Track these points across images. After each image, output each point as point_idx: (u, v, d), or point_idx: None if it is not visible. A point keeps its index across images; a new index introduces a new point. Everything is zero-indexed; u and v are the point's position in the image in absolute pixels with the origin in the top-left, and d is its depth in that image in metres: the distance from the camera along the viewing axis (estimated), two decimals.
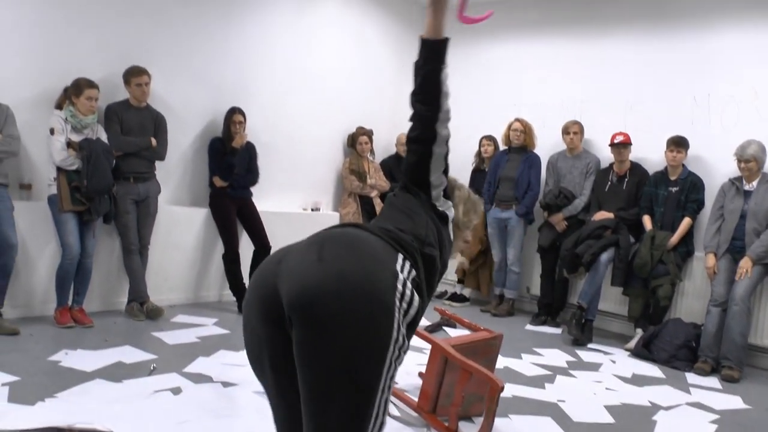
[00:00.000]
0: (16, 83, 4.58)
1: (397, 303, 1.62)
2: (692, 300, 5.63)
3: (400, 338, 1.61)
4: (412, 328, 1.72)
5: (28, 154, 4.72)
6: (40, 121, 4.66)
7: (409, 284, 1.69)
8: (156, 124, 5.18)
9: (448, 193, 2.25)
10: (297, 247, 1.74)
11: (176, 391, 3.48)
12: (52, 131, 4.56)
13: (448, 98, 2.12)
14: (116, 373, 3.68)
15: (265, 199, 6.01)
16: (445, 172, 2.21)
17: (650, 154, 5.96)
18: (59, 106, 4.70)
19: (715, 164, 5.68)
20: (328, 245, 1.68)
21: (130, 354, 4.06)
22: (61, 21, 4.84)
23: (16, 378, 3.42)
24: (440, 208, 2.15)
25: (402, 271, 1.71)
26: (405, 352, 1.65)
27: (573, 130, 6.19)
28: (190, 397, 3.42)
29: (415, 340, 4.73)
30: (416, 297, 1.70)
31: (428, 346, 3.45)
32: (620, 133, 5.85)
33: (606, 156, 6.10)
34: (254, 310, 1.69)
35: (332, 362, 1.54)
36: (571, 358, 5.05)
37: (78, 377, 3.55)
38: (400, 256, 1.77)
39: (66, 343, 4.14)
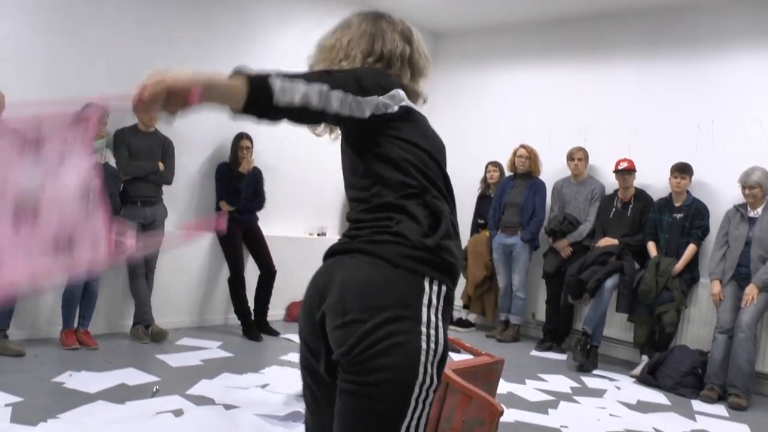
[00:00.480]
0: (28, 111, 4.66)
1: (424, 347, 1.52)
2: (698, 327, 5.60)
3: (428, 380, 1.52)
4: (443, 364, 1.57)
5: None
6: None
7: (435, 320, 1.54)
8: (164, 149, 5.26)
9: None
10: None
11: (178, 413, 3.49)
12: None
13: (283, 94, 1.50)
14: (119, 394, 3.71)
15: (271, 224, 6.05)
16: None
17: (654, 180, 5.98)
18: None
19: (720, 190, 5.69)
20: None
21: (133, 376, 4.08)
22: (71, 49, 4.95)
23: (20, 399, 3.45)
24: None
25: (429, 307, 1.55)
26: (435, 391, 1.55)
27: (577, 157, 6.22)
28: (191, 419, 3.44)
29: None
30: (442, 333, 1.56)
31: None
32: (624, 160, 5.88)
33: (610, 182, 6.12)
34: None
35: (357, 401, 1.53)
36: (575, 384, 5.02)
37: (82, 399, 3.58)
38: (426, 283, 1.57)
39: (71, 365, 4.17)
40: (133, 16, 5.28)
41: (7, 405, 3.34)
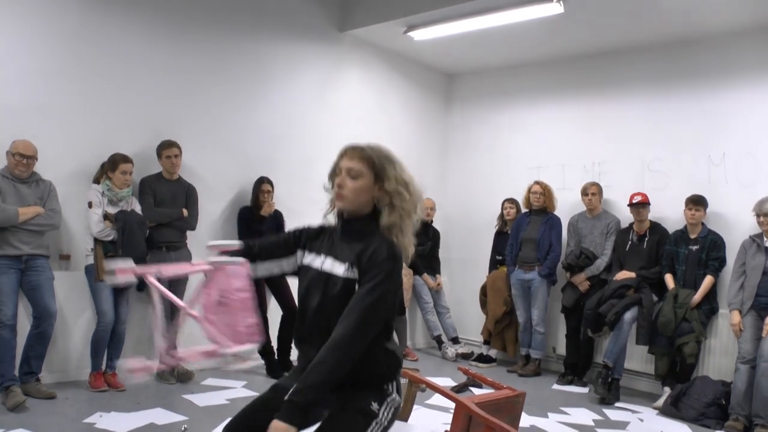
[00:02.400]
0: (58, 160, 4.87)
1: None
2: (719, 357, 5.61)
3: None
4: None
5: (67, 226, 4.96)
6: (79, 195, 4.92)
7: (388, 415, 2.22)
8: (187, 195, 5.41)
9: None
10: None
11: None
12: (90, 204, 4.81)
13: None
14: None
15: None
16: None
17: (669, 212, 6.05)
18: (96, 181, 4.97)
19: (735, 221, 5.75)
20: None
21: (162, 416, 4.18)
22: (98, 100, 5.16)
23: None
24: None
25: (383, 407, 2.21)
26: None
27: (591, 191, 6.32)
28: None
29: (440, 399, 4.78)
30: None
31: (452, 405, 3.51)
32: (638, 194, 5.96)
33: (625, 216, 6.19)
34: None
35: None
36: (598, 417, 5.03)
37: None
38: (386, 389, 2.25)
39: (100, 406, 4.27)
40: (156, 68, 5.50)
41: None
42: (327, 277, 2.21)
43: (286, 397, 1.97)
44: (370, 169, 2.22)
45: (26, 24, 4.80)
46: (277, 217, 5.96)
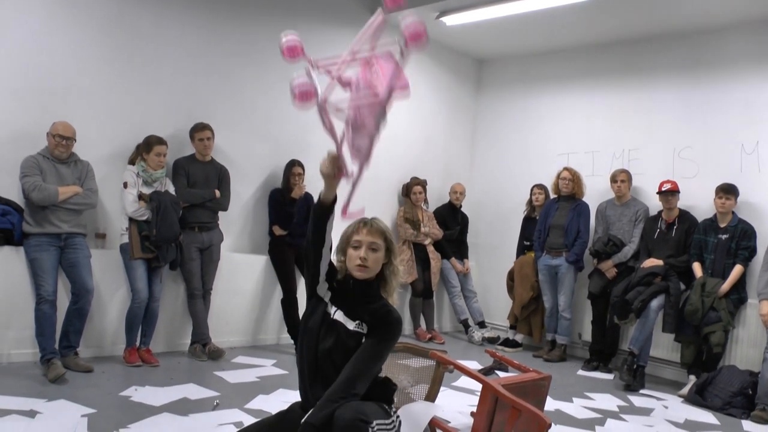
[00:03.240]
0: (95, 141, 4.99)
1: None
2: (747, 347, 5.59)
3: None
4: None
5: (103, 206, 5.09)
6: (114, 176, 5.05)
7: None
8: (220, 177, 5.51)
9: None
10: None
11: (239, 425, 3.66)
12: (125, 185, 4.93)
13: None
14: (182, 408, 3.91)
15: None
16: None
17: (699, 201, 6.02)
18: (132, 162, 5.09)
19: (766, 211, 5.71)
20: None
21: (194, 391, 4.29)
22: (134, 84, 5.28)
23: (93, 410, 3.69)
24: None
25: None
26: None
27: (620, 179, 6.30)
28: None
29: (467, 382, 4.85)
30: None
31: (479, 388, 3.56)
32: (668, 181, 5.94)
33: (654, 204, 6.17)
34: None
35: None
36: (622, 403, 5.06)
37: (148, 411, 3.79)
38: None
39: (135, 380, 4.41)
40: (189, 52, 5.60)
41: (83, 416, 3.59)
42: (338, 326, 2.50)
43: (303, 420, 2.28)
44: (384, 242, 2.55)
45: (66, 10, 4.92)
46: (308, 200, 6.02)
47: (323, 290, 2.57)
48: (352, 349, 2.45)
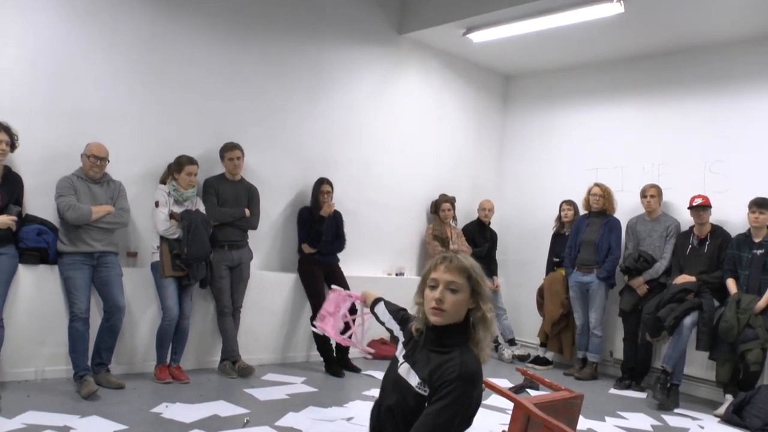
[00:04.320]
0: (127, 162, 5.08)
1: None
2: None
3: None
4: None
5: (134, 225, 5.17)
6: (146, 195, 5.13)
7: None
8: (249, 196, 5.56)
9: None
10: None
11: None
12: (156, 204, 5.00)
13: None
14: (212, 424, 3.93)
15: (351, 265, 6.28)
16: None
17: (731, 216, 5.93)
18: (163, 181, 5.16)
19: None
20: None
21: (224, 408, 4.31)
22: (165, 105, 5.37)
23: (125, 427, 3.72)
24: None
25: None
26: None
27: (650, 193, 6.23)
28: None
29: (498, 400, 4.80)
30: None
31: (510, 406, 3.53)
32: (699, 196, 5.86)
33: (686, 219, 6.09)
34: None
35: None
36: (656, 423, 4.97)
37: (178, 428, 3.82)
38: None
39: (165, 397, 4.44)
40: (219, 73, 5.68)
41: None
42: (403, 382, 2.19)
43: None
44: (467, 281, 2.15)
45: (99, 35, 5.03)
46: (336, 218, 6.07)
47: (400, 338, 2.38)
48: (414, 412, 2.10)
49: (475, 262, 2.24)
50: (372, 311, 2.89)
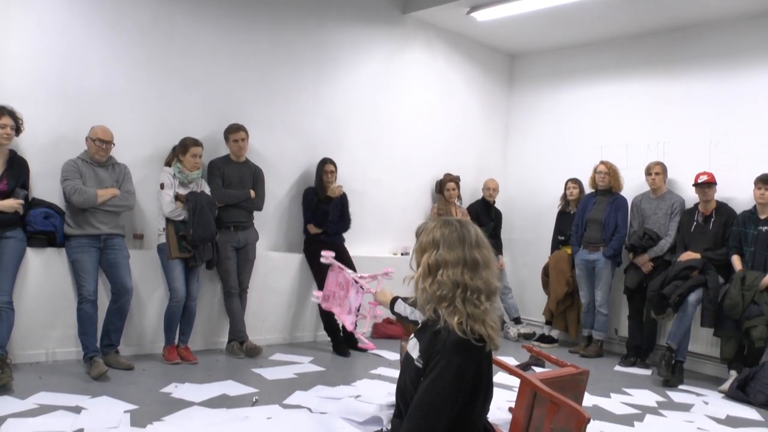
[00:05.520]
0: (132, 144, 5.08)
1: None
2: None
3: None
4: None
5: (140, 207, 5.18)
6: (151, 177, 5.14)
7: None
8: (254, 177, 5.57)
9: None
10: None
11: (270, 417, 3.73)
12: (162, 186, 5.01)
13: None
14: (222, 404, 3.98)
15: (357, 245, 6.30)
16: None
17: (737, 192, 5.93)
18: (168, 163, 5.17)
19: None
20: None
21: (233, 387, 4.36)
22: (169, 87, 5.36)
23: (136, 406, 3.77)
24: None
25: None
26: None
27: (655, 171, 6.22)
28: (283, 420, 3.71)
29: (504, 378, 4.85)
30: None
31: (517, 384, 3.56)
32: (704, 173, 5.85)
33: (691, 196, 6.09)
34: None
35: None
36: (661, 399, 5.00)
37: (188, 407, 3.86)
38: None
39: (174, 378, 4.48)
40: (223, 54, 5.66)
41: (126, 411, 3.67)
42: (409, 358, 2.19)
43: None
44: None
45: (102, 17, 5.01)
46: (342, 198, 6.07)
47: (419, 321, 2.34)
48: (416, 388, 2.08)
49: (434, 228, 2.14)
50: (393, 313, 2.94)
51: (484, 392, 2.11)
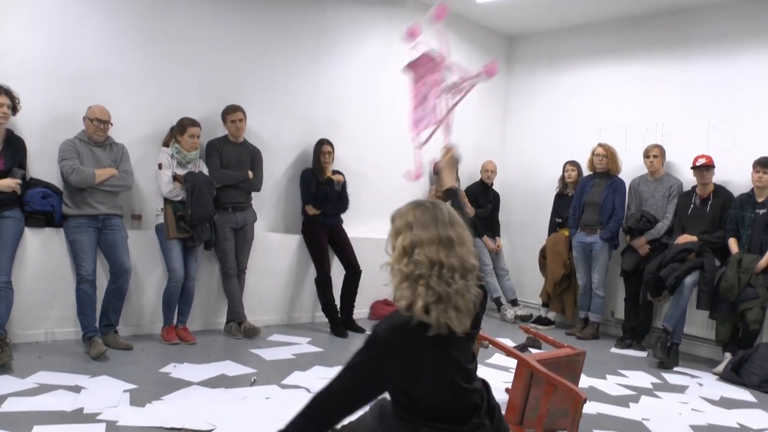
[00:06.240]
0: (130, 125, 5.06)
1: None
2: None
3: None
4: None
5: (138, 188, 5.17)
6: (149, 158, 5.13)
7: None
8: (252, 158, 5.55)
9: None
10: None
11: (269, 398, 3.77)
12: (160, 166, 5.00)
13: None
14: (221, 383, 4.01)
15: (355, 226, 6.30)
16: None
17: (734, 176, 5.93)
18: (166, 144, 5.15)
19: None
20: None
21: (232, 368, 4.38)
22: (166, 67, 5.33)
23: (135, 386, 3.80)
24: None
25: None
26: None
27: (653, 154, 6.22)
28: (280, 399, 3.75)
29: (501, 359, 4.88)
30: None
31: (513, 365, 3.59)
32: (702, 156, 5.85)
33: (689, 179, 6.09)
34: None
35: None
36: (656, 380, 5.05)
37: (187, 386, 3.88)
38: None
39: (173, 358, 4.51)
40: (221, 34, 5.63)
41: (125, 391, 3.70)
42: None
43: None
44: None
45: None
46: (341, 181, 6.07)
47: None
48: None
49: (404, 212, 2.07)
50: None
51: (436, 381, 1.97)
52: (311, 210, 5.87)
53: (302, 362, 4.67)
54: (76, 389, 3.67)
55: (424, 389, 1.95)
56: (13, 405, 3.36)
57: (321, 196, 5.83)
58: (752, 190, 5.62)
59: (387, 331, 1.90)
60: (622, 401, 4.38)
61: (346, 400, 1.95)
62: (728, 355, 5.45)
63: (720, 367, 5.38)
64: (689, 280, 5.53)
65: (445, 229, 2.00)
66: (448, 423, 1.99)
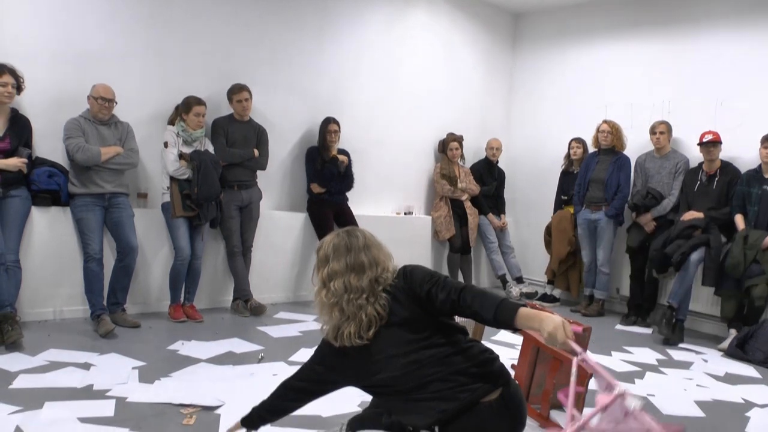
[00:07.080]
0: (135, 103, 5.06)
1: None
2: None
3: None
4: None
5: (144, 166, 5.18)
6: (155, 136, 5.13)
7: None
8: (258, 137, 5.55)
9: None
10: None
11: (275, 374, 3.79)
12: (165, 144, 5.00)
13: None
14: (228, 361, 4.04)
15: (360, 204, 6.31)
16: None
17: (741, 152, 5.90)
18: (171, 122, 5.15)
19: None
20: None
21: (239, 345, 4.42)
22: (171, 45, 5.32)
23: (143, 363, 3.83)
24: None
25: None
26: None
27: (659, 130, 6.18)
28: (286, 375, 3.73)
29: (506, 336, 4.91)
30: None
31: (518, 342, 3.61)
32: (709, 132, 5.81)
33: (695, 155, 6.06)
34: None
35: None
36: (661, 357, 5.06)
37: (195, 364, 3.92)
38: None
39: (181, 335, 4.55)
40: (226, 14, 5.60)
41: (134, 368, 3.74)
42: None
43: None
44: None
45: None
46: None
47: None
48: None
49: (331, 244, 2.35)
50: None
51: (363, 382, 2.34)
52: (316, 188, 5.87)
53: (308, 339, 4.70)
54: (86, 366, 3.71)
55: (375, 380, 2.27)
56: (24, 382, 3.41)
57: (326, 174, 5.83)
58: (760, 166, 5.59)
59: (323, 343, 2.40)
60: (627, 377, 4.39)
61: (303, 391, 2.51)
62: (733, 332, 5.46)
63: (725, 344, 5.39)
64: (695, 256, 5.53)
65: (358, 255, 2.26)
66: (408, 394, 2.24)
